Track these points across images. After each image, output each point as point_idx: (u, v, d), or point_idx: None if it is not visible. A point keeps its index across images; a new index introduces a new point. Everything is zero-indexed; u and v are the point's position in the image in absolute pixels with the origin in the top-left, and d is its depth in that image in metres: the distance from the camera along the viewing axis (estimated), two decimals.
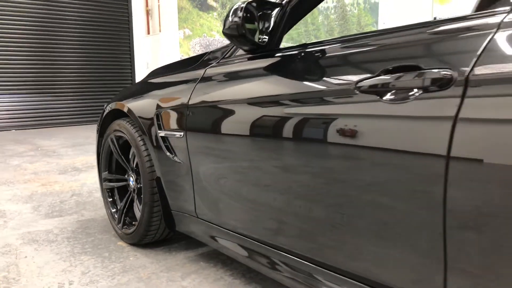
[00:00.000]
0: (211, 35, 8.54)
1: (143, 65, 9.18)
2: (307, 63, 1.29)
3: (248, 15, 1.33)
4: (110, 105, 2.21)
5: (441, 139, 0.86)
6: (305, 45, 1.34)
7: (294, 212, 1.23)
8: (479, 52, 0.85)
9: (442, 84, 0.88)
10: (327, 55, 1.24)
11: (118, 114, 2.16)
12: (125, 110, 2.04)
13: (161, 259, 1.97)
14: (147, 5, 9.34)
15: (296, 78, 1.28)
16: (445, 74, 0.88)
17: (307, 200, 1.19)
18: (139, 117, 1.93)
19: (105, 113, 2.24)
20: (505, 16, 0.85)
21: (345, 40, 1.22)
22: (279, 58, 1.38)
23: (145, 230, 1.99)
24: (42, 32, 7.96)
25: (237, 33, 1.30)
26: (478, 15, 0.91)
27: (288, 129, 1.21)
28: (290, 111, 1.23)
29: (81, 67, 8.46)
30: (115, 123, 2.13)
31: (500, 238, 0.79)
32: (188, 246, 2.11)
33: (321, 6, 5.82)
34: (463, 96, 0.84)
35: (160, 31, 9.01)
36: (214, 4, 7.88)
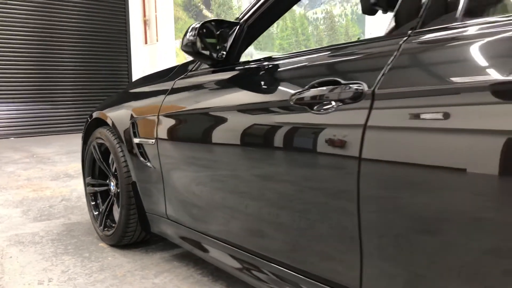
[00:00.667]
0: None
1: (140, 74, 9.35)
2: (259, 76, 1.43)
3: (205, 32, 1.47)
4: (93, 114, 2.35)
5: (354, 144, 0.99)
6: (260, 60, 1.48)
7: (248, 212, 1.35)
8: (384, 70, 0.98)
9: (355, 97, 1.02)
10: (273, 69, 1.37)
11: (100, 122, 2.30)
12: (105, 119, 2.18)
13: (137, 259, 2.09)
14: (144, 16, 9.54)
15: (249, 89, 1.42)
16: (357, 88, 1.01)
17: (256, 200, 1.32)
18: (117, 125, 2.07)
19: (88, 122, 2.38)
20: (405, 40, 0.98)
21: (289, 56, 1.35)
22: (237, 72, 1.51)
23: (123, 232, 2.11)
24: (41, 42, 8.14)
25: (192, 50, 1.44)
26: (385, 38, 1.05)
27: (240, 136, 1.34)
28: (242, 120, 1.36)
29: (79, 76, 8.63)
30: (97, 131, 2.27)
31: (405, 228, 0.92)
32: (164, 248, 2.23)
33: (310, 17, 5.98)
34: (370, 108, 0.98)
35: (157, 41, 9.20)
36: (209, 14, 8.07)
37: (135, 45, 9.49)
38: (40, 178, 4.09)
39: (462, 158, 0.80)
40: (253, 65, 1.46)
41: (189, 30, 1.45)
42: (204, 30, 1.45)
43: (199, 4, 8.31)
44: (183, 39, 1.47)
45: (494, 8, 1.06)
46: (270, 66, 1.39)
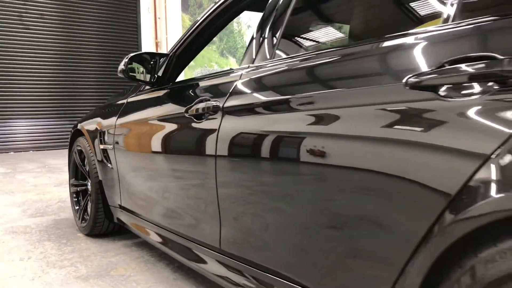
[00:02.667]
0: (211, 65, 9.28)
1: None
2: (174, 94, 1.87)
3: (143, 60, 1.94)
4: (76, 126, 2.84)
5: (213, 143, 1.41)
6: (180, 82, 1.93)
7: (169, 200, 1.78)
8: (230, 91, 1.41)
9: (215, 110, 1.45)
10: (182, 90, 1.82)
11: (80, 133, 2.78)
12: (82, 130, 2.65)
13: (103, 244, 2.53)
14: (156, 38, 10.19)
15: (167, 103, 1.86)
16: (215, 105, 1.44)
17: (172, 191, 1.75)
18: (90, 135, 2.54)
19: (72, 133, 2.87)
20: (244, 70, 1.42)
21: (191, 80, 1.80)
22: (165, 91, 1.96)
23: (93, 223, 2.56)
24: (60, 63, 8.84)
25: (123, 75, 1.90)
26: (235, 70, 1.48)
27: (161, 140, 1.79)
28: (162, 127, 1.80)
29: (95, 95, 9.29)
30: (77, 140, 2.75)
31: (247, 204, 1.32)
32: (128, 237, 2.67)
33: None
34: (222, 117, 1.40)
35: None
36: None
37: None
38: (45, 184, 4.61)
39: (274, 151, 1.20)
40: (174, 86, 1.91)
41: (122, 61, 1.92)
42: (140, 59, 1.92)
43: None
44: (119, 66, 1.94)
45: (299, 49, 1.48)
46: (181, 87, 1.84)
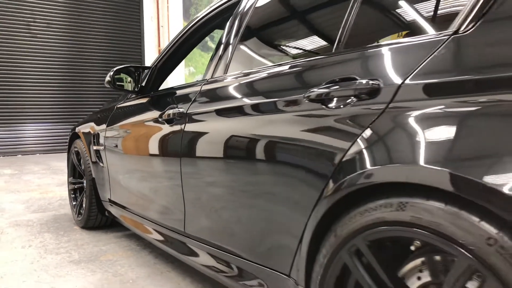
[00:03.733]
0: None
1: None
2: (152, 102, 2.16)
3: (129, 72, 2.24)
4: (74, 129, 3.14)
5: (179, 144, 1.70)
6: (159, 91, 2.22)
7: (154, 194, 2.06)
8: (192, 100, 1.70)
9: (181, 115, 1.73)
10: (159, 98, 2.11)
11: (77, 136, 3.08)
12: (78, 133, 2.96)
13: (96, 235, 2.83)
14: (159, 45, 10.54)
15: (151, 109, 2.15)
16: (181, 111, 1.73)
17: (151, 185, 2.03)
18: (85, 137, 2.84)
19: (70, 135, 3.17)
20: (204, 82, 1.71)
21: (168, 89, 2.09)
22: (147, 99, 2.25)
23: (88, 216, 2.86)
24: (66, 70, 9.21)
25: (109, 86, 2.20)
26: (197, 83, 1.77)
27: (140, 141, 2.08)
28: (143, 129, 2.09)
29: (99, 101, 9.64)
30: (75, 142, 3.06)
31: (203, 193, 1.60)
32: (120, 230, 2.96)
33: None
34: (185, 122, 1.69)
35: None
36: (213, 45, 8.96)
37: None
38: (48, 184, 4.93)
39: (221, 148, 1.49)
40: (154, 95, 2.20)
41: (108, 74, 2.22)
42: (126, 71, 2.22)
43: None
44: (105, 78, 2.24)
45: (243, 67, 1.74)
46: (159, 95, 2.13)
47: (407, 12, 1.14)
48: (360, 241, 0.94)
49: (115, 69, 2.21)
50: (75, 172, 3.21)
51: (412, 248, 0.89)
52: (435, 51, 0.92)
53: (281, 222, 1.23)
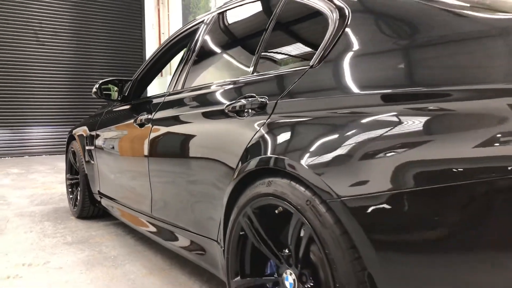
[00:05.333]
0: None
1: None
2: (131, 108, 2.60)
3: (106, 84, 2.68)
4: (71, 132, 3.60)
5: (146, 144, 2.13)
6: (140, 99, 2.65)
7: (129, 185, 2.49)
8: (157, 108, 2.13)
9: (148, 121, 2.17)
10: (136, 105, 2.55)
11: (74, 137, 3.53)
12: (74, 135, 3.41)
13: (89, 223, 3.27)
14: None
15: (129, 115, 2.58)
16: (148, 117, 2.17)
17: (135, 180, 2.47)
18: (80, 139, 3.29)
19: (68, 137, 3.62)
20: (167, 94, 2.14)
21: (143, 99, 2.52)
22: (128, 106, 2.69)
23: (82, 207, 3.30)
24: (72, 75, 9.71)
25: (95, 96, 2.64)
26: (163, 93, 2.20)
27: (122, 141, 2.51)
28: (123, 132, 2.53)
29: (100, 105, 10.13)
30: (72, 143, 3.51)
31: (166, 182, 2.03)
32: (109, 219, 3.40)
33: None
34: (152, 126, 2.13)
35: (170, 74, 10.63)
36: None
37: None
38: (52, 182, 5.39)
39: (172, 145, 1.92)
40: (133, 103, 2.63)
41: (95, 85, 2.66)
42: (113, 83, 2.66)
43: None
44: (93, 89, 2.68)
45: (195, 83, 2.18)
46: (136, 103, 2.57)
47: (287, 52, 1.58)
48: (249, 209, 1.36)
49: (100, 81, 2.65)
50: (72, 169, 3.65)
51: (276, 211, 1.31)
52: (299, 78, 1.34)
53: (211, 201, 1.65)
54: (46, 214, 3.59)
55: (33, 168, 6.93)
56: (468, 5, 1.12)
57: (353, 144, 1.05)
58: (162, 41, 10.94)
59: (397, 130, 0.98)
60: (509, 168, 0.79)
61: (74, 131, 3.47)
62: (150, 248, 2.64)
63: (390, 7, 1.21)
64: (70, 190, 3.63)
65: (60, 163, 7.64)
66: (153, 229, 2.20)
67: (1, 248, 2.66)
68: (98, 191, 3.01)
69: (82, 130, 3.26)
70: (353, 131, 1.08)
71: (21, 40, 9.09)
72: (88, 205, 3.29)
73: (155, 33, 10.89)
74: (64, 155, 8.80)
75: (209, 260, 1.74)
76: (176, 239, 1.99)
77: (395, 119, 1.00)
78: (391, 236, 0.97)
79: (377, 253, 0.97)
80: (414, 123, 0.95)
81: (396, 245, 0.96)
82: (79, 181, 3.42)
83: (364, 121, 1.07)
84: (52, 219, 3.41)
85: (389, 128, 1.00)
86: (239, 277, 1.42)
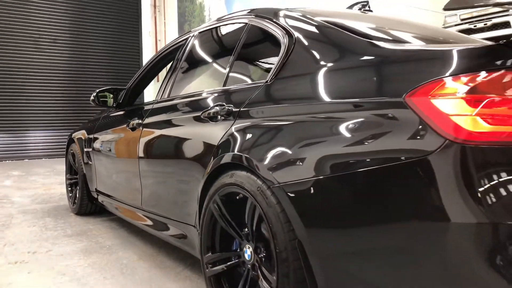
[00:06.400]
0: None
1: None
2: (125, 114, 2.91)
3: (111, 92, 3.00)
4: (71, 135, 3.91)
5: (138, 146, 2.45)
6: (133, 105, 2.97)
7: (122, 182, 2.80)
8: (147, 114, 2.45)
9: (139, 125, 2.49)
10: (129, 112, 2.87)
11: (73, 140, 3.85)
12: (74, 138, 3.73)
13: (87, 219, 3.58)
14: None
15: (123, 120, 2.90)
16: (139, 122, 2.49)
17: (125, 175, 2.78)
18: (79, 142, 3.61)
19: (68, 140, 3.94)
20: (155, 102, 2.46)
21: (135, 106, 2.84)
22: (122, 112, 3.01)
23: (80, 204, 3.61)
24: (71, 81, 10.03)
25: (93, 103, 2.96)
26: (152, 101, 2.53)
27: (117, 143, 2.83)
28: (117, 136, 2.85)
29: (98, 110, 10.44)
30: (71, 146, 3.82)
31: (152, 178, 2.35)
32: (106, 216, 3.71)
33: None
34: (141, 130, 2.45)
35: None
36: None
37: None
38: (52, 183, 5.70)
39: (159, 146, 2.25)
40: (127, 109, 2.95)
41: (92, 94, 2.98)
42: (110, 91, 2.98)
43: None
44: (91, 97, 3.00)
45: (178, 93, 2.50)
46: (130, 110, 2.89)
47: (250, 69, 1.91)
48: (217, 197, 1.68)
49: (97, 90, 2.98)
50: (71, 169, 3.97)
51: (238, 197, 1.62)
52: (257, 91, 1.67)
53: (191, 193, 1.96)
54: (47, 211, 3.90)
55: (33, 171, 7.23)
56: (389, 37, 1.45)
57: (289, 143, 1.38)
58: (158, 48, 11.28)
59: (317, 132, 1.31)
60: (401, 157, 1.10)
61: (73, 135, 3.79)
62: (141, 239, 2.95)
63: (323, 38, 1.54)
64: (69, 189, 3.94)
65: (59, 166, 7.95)
66: (143, 219, 2.52)
67: (8, 239, 2.96)
68: (95, 189, 3.33)
69: (81, 134, 3.58)
70: (290, 133, 1.41)
71: (21, 46, 9.41)
72: (86, 202, 3.60)
73: (152, 40, 11.22)
74: (63, 158, 9.08)
75: (189, 243, 2.05)
76: (162, 227, 2.30)
77: (317, 123, 1.33)
78: (313, 211, 1.29)
79: (304, 225, 1.29)
80: (329, 127, 1.28)
81: (318, 219, 1.28)
82: (78, 180, 3.73)
83: (296, 125, 1.40)
84: (52, 216, 3.72)
85: (313, 131, 1.33)
86: (210, 253, 1.74)
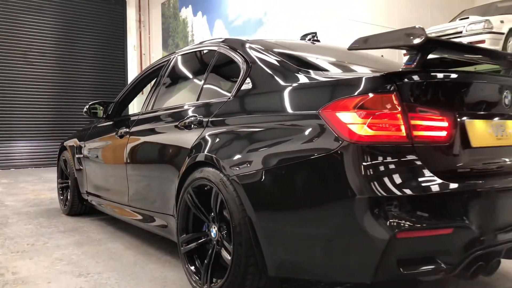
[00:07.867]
0: None
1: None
2: (116, 124, 3.33)
3: (101, 104, 3.42)
4: (63, 143, 4.31)
5: (125, 151, 2.88)
6: (122, 116, 3.40)
7: (110, 183, 3.21)
8: (133, 124, 2.89)
9: (126, 133, 2.92)
10: (119, 122, 3.29)
11: (65, 148, 4.24)
12: (66, 146, 4.13)
13: (78, 219, 3.96)
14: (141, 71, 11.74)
15: (111, 129, 3.31)
16: (126, 130, 2.92)
17: (113, 177, 3.20)
18: (70, 149, 4.01)
19: (60, 147, 4.33)
20: (141, 113, 2.90)
21: (124, 116, 3.28)
22: (111, 122, 3.43)
23: (71, 205, 4.00)
24: (58, 92, 10.36)
25: (86, 114, 3.38)
26: (138, 113, 2.97)
27: (107, 151, 3.25)
28: (106, 143, 3.27)
29: (84, 121, 10.77)
30: (63, 153, 4.22)
31: (138, 179, 2.77)
32: (95, 216, 4.09)
33: None
34: (129, 137, 2.88)
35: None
36: None
37: None
38: (41, 189, 6.04)
39: (142, 152, 2.68)
40: (116, 119, 3.37)
41: (85, 106, 3.40)
42: (101, 104, 3.41)
43: None
44: (84, 109, 3.42)
45: (161, 105, 2.95)
46: (118, 120, 3.31)
47: (218, 87, 2.37)
48: (190, 188, 2.11)
49: (90, 103, 3.40)
50: (62, 174, 4.35)
51: (206, 188, 2.06)
52: (222, 106, 2.12)
53: (170, 188, 2.39)
54: (40, 213, 4.27)
55: (21, 179, 7.54)
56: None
57: (243, 146, 1.84)
58: (143, 61, 11.70)
59: (261, 136, 1.78)
60: (315, 154, 1.56)
61: (65, 143, 4.19)
62: (127, 233, 3.36)
63: (271, 65, 2.02)
64: (61, 192, 4.32)
65: (46, 174, 8.26)
66: (129, 214, 2.93)
67: (8, 235, 3.34)
68: (86, 191, 3.72)
69: (73, 142, 3.98)
70: (244, 138, 1.87)
71: (10, 60, 9.73)
72: (77, 203, 3.99)
73: (137, 54, 11.64)
74: (49, 167, 9.40)
75: (169, 231, 2.47)
76: (146, 219, 2.72)
77: (261, 130, 1.80)
78: (258, 195, 1.74)
79: (251, 205, 1.74)
80: (269, 133, 1.75)
81: (261, 200, 1.74)
82: (69, 184, 4.11)
83: (248, 132, 1.86)
84: (45, 216, 4.09)
85: (258, 136, 1.80)
86: (185, 234, 2.17)
